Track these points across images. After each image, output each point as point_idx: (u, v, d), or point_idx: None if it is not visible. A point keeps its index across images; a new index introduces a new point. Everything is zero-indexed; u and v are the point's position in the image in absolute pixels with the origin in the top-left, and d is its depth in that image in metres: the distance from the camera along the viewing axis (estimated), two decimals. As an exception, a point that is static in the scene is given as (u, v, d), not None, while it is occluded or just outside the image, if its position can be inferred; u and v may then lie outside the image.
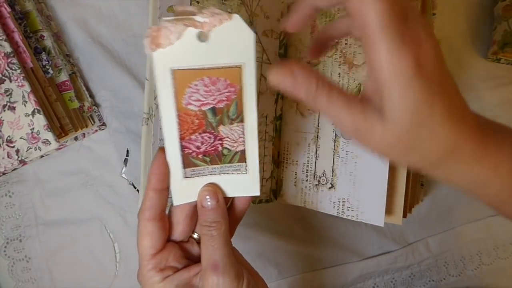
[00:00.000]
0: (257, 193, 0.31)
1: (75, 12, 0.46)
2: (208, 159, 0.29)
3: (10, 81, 0.38)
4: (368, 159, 0.38)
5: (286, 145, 0.45)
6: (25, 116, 0.38)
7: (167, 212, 0.30)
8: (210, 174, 0.30)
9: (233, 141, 0.29)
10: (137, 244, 0.28)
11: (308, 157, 0.42)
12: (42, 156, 0.44)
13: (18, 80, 0.38)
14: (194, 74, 0.26)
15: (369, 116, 0.23)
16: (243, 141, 0.29)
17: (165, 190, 0.28)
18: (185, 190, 0.29)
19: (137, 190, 0.47)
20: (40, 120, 0.38)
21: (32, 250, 0.47)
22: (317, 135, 0.42)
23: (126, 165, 0.48)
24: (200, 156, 0.29)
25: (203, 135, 0.28)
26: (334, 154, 0.41)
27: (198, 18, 0.25)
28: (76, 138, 0.46)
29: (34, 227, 0.47)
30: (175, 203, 0.29)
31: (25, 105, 0.38)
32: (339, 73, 0.41)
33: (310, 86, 0.23)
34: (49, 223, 0.47)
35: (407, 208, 0.40)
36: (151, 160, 0.35)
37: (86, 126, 0.44)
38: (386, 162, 0.37)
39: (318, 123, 0.42)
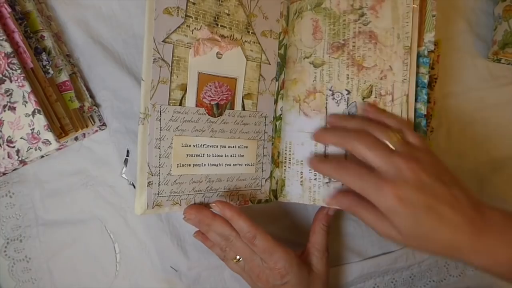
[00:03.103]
0: None
1: (76, 13, 0.46)
2: None
3: (11, 81, 0.38)
4: None
5: (288, 145, 0.44)
6: (26, 116, 0.38)
7: None
8: None
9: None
10: None
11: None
12: (42, 157, 0.44)
13: (19, 80, 0.38)
14: (210, 78, 0.40)
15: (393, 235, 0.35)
16: None
17: None
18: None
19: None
20: (40, 121, 0.38)
21: (33, 251, 0.47)
22: None
23: (126, 165, 0.48)
24: None
25: None
26: (346, 153, 0.41)
27: (221, 42, 0.39)
28: (76, 138, 0.46)
29: (34, 227, 0.47)
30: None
31: (25, 105, 0.38)
32: (347, 75, 0.41)
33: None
34: (50, 223, 0.47)
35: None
36: (147, 159, 0.37)
37: (87, 126, 0.44)
38: None
39: (326, 124, 0.42)
